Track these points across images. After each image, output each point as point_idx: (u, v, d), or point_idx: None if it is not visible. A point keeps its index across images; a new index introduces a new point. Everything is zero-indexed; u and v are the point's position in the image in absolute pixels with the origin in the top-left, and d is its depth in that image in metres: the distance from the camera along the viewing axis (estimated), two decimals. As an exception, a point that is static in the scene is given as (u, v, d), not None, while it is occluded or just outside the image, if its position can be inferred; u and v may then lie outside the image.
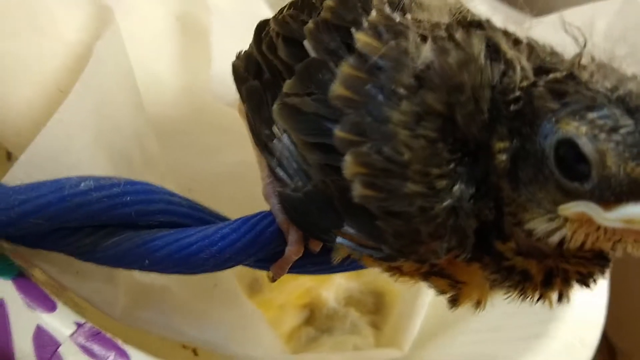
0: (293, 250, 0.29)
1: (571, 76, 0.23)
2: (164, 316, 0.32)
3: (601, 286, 0.40)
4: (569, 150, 0.21)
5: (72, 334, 0.27)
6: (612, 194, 0.21)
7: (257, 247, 0.29)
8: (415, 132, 0.23)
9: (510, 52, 0.24)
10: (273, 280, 0.31)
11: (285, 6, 0.31)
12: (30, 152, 0.29)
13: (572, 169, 0.21)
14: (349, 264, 0.29)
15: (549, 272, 0.25)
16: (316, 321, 0.43)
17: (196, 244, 0.28)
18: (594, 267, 0.25)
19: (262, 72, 0.30)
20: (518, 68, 0.24)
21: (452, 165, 0.23)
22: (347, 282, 0.45)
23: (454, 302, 0.27)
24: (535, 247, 0.24)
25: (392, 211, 0.24)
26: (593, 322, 0.39)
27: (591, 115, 0.21)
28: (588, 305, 0.39)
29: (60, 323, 0.27)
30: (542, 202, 0.23)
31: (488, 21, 0.27)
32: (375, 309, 0.44)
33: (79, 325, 0.28)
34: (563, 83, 0.23)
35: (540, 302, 0.25)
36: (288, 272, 0.30)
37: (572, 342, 0.38)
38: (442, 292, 0.27)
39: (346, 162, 0.24)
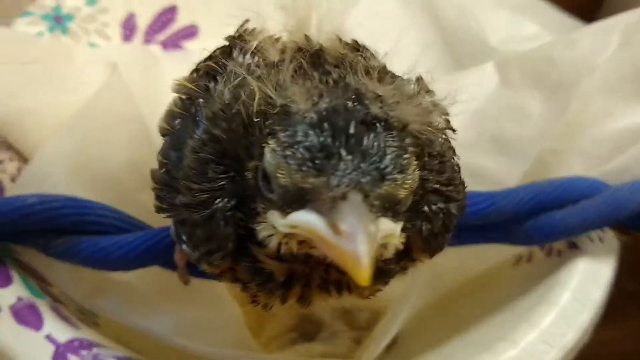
0: (176, 257, 0.36)
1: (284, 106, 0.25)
2: (118, 306, 0.40)
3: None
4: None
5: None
6: (284, 203, 0.24)
7: (155, 253, 0.36)
8: (197, 154, 0.28)
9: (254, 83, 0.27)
10: (185, 283, 0.38)
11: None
12: (25, 174, 0.41)
13: (269, 182, 0.25)
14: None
15: (290, 275, 0.28)
16: (302, 327, 0.47)
17: (108, 248, 0.36)
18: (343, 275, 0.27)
19: None
20: (257, 96, 0.26)
21: (217, 183, 0.27)
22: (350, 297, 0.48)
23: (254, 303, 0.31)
24: (296, 253, 0.26)
25: (176, 220, 0.29)
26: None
27: (281, 134, 0.24)
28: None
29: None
30: (263, 213, 0.26)
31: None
32: (367, 325, 0.47)
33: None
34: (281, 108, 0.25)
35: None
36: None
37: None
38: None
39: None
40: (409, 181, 0.24)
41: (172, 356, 0.42)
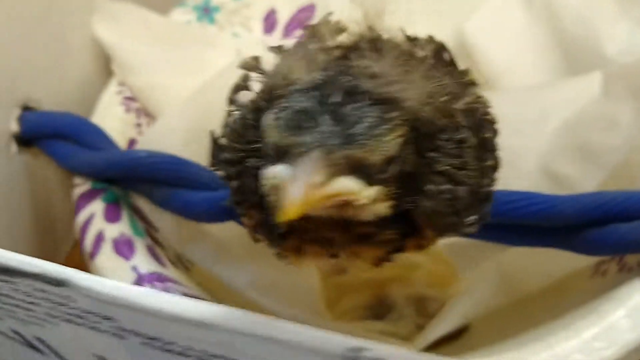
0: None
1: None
2: (207, 254, 0.46)
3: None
4: None
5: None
6: (272, 160, 0.27)
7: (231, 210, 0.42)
8: (243, 120, 0.33)
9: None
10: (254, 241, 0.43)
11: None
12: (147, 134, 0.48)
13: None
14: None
15: (290, 228, 0.30)
16: (375, 307, 0.49)
17: (195, 202, 0.43)
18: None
19: None
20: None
21: (252, 145, 0.31)
22: (428, 289, 0.50)
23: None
24: None
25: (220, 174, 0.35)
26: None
27: (280, 101, 0.28)
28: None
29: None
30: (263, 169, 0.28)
31: None
32: (435, 315, 0.48)
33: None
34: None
35: None
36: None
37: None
38: None
39: None
40: (382, 149, 0.26)
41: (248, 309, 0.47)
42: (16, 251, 0.30)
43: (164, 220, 0.46)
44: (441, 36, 0.52)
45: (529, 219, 0.39)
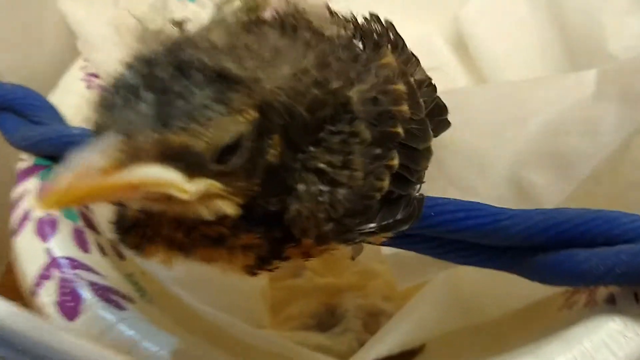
0: None
1: None
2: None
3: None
4: None
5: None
6: None
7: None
8: None
9: None
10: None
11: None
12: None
13: None
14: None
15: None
16: (322, 317, 0.45)
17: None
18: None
19: None
20: None
21: None
22: (383, 303, 0.45)
23: None
24: None
25: None
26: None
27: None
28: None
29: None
30: None
31: None
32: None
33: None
34: None
35: None
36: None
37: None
38: None
39: None
40: (210, 135, 0.22)
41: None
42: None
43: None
44: (434, 23, 0.47)
45: (468, 234, 0.33)
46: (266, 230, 0.27)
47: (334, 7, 0.37)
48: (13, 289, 0.40)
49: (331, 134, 0.26)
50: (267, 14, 0.32)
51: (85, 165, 0.20)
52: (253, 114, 0.23)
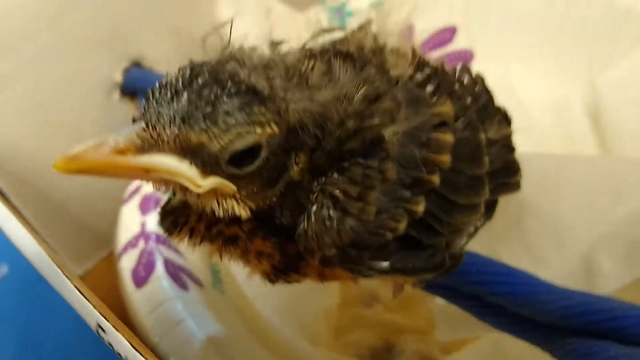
0: None
1: None
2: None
3: None
4: None
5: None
6: None
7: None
8: None
9: None
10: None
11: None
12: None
13: None
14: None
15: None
16: (379, 350, 0.44)
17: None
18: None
19: None
20: None
21: None
22: (439, 352, 0.44)
23: None
24: None
25: None
26: None
27: None
28: None
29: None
30: None
31: None
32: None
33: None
34: None
35: None
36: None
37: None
38: None
39: None
40: (225, 139, 0.24)
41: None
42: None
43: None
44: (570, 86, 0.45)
45: (506, 300, 0.32)
46: (280, 241, 0.28)
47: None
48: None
49: (357, 165, 0.27)
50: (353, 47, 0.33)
51: (104, 144, 0.24)
52: (274, 129, 0.25)
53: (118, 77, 0.53)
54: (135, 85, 0.53)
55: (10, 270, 0.58)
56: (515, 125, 0.39)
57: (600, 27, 0.51)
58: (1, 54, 0.46)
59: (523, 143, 0.44)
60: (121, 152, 0.24)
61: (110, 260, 0.47)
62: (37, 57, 0.48)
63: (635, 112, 0.46)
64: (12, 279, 0.57)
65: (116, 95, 0.54)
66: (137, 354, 0.24)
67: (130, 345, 0.24)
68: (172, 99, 0.25)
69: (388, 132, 0.28)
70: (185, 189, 0.26)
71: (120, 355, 0.24)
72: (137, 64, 0.54)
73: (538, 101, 0.52)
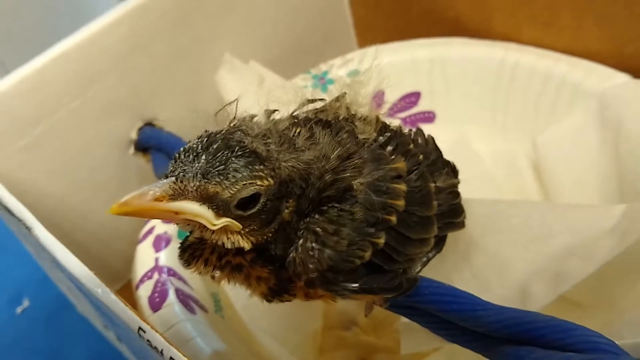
0: None
1: None
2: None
3: None
4: None
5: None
6: None
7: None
8: None
9: None
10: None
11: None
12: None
13: None
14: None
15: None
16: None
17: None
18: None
19: None
20: None
21: None
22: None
23: None
24: None
25: None
26: None
27: None
28: None
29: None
30: None
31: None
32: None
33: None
34: None
35: None
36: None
37: None
38: None
39: None
40: (233, 189, 0.33)
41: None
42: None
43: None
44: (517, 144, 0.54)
45: (452, 316, 0.40)
46: (275, 268, 0.37)
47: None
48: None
49: (333, 208, 0.36)
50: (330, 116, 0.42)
51: (146, 193, 0.32)
52: (270, 182, 0.34)
53: (133, 135, 0.62)
54: (148, 142, 0.62)
55: (32, 303, 0.65)
56: (472, 174, 0.48)
57: (540, 95, 0.61)
58: (39, 118, 0.55)
59: (481, 190, 0.54)
60: (158, 199, 0.33)
61: (122, 292, 0.55)
62: (67, 120, 0.57)
63: (569, 166, 0.55)
64: (34, 311, 0.65)
65: (131, 150, 0.63)
66: (170, 346, 0.32)
67: (164, 340, 0.32)
68: (193, 159, 0.34)
69: (356, 183, 0.37)
70: (203, 227, 0.34)
71: (157, 348, 0.33)
72: (149, 124, 0.63)
73: (491, 156, 0.62)
